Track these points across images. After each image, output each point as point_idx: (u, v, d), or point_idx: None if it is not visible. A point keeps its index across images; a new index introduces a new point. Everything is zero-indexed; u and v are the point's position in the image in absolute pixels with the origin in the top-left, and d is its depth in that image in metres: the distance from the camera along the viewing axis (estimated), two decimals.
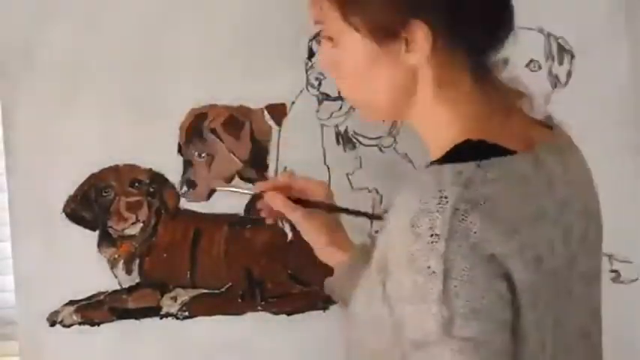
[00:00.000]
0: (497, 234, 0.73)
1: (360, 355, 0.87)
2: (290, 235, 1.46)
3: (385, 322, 0.78)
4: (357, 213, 1.17)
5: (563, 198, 0.83)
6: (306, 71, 1.45)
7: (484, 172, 0.75)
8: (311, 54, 1.45)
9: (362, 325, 0.84)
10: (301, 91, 1.45)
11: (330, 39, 0.87)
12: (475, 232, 0.72)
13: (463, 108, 0.84)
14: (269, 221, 1.20)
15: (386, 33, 0.82)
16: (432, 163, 0.82)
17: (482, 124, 0.82)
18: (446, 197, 0.73)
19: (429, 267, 0.72)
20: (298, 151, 1.46)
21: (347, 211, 1.15)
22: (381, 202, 1.47)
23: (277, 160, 1.46)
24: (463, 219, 0.72)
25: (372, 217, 1.26)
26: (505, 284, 0.73)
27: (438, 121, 0.85)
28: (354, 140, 1.46)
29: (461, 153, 0.79)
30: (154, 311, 1.43)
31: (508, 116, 0.85)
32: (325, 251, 1.14)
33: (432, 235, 0.72)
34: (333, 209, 1.15)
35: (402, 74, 0.84)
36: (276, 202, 1.13)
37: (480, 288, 0.72)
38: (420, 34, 0.80)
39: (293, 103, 1.46)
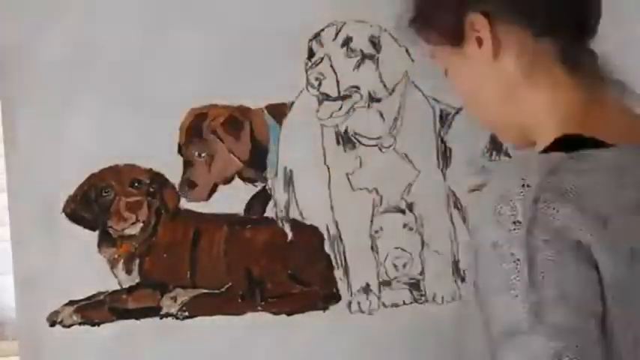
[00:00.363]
0: (584, 222, 0.71)
1: None
2: (290, 235, 1.46)
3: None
4: None
5: None
6: (306, 71, 1.45)
7: (575, 162, 0.75)
8: (311, 54, 1.45)
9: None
10: (301, 91, 1.45)
11: (446, 72, 0.90)
12: (558, 219, 0.71)
13: (560, 96, 0.83)
14: None
15: (456, 37, 0.83)
16: None
17: (580, 115, 0.81)
18: (528, 185, 0.72)
19: (512, 254, 0.71)
20: (298, 151, 1.46)
21: None
22: (380, 202, 1.47)
23: (277, 160, 1.46)
24: (546, 206, 0.71)
25: None
26: (594, 272, 0.72)
27: (536, 109, 0.84)
28: (354, 140, 1.46)
29: (557, 146, 0.78)
30: (153, 311, 1.43)
31: (607, 107, 0.83)
32: None
33: (514, 222, 0.72)
34: None
35: (492, 73, 0.84)
36: None
37: (567, 273, 0.71)
38: (480, 27, 0.81)
39: (293, 103, 1.46)
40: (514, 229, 0.72)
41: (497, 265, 0.73)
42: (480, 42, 0.82)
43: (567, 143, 0.78)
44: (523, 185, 0.73)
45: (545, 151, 0.80)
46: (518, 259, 0.71)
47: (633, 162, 0.79)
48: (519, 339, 0.71)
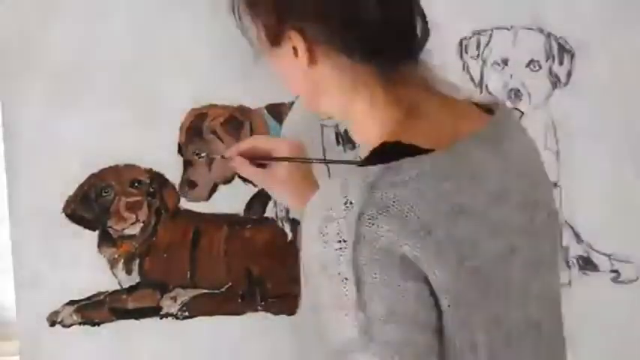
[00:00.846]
0: (407, 236, 0.72)
1: None
2: (290, 235, 1.46)
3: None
4: (324, 161, 1.21)
5: (496, 190, 0.81)
6: None
7: (393, 174, 0.75)
8: None
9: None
10: None
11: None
12: (382, 236, 0.72)
13: (379, 109, 0.85)
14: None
15: (273, 38, 0.89)
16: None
17: (400, 125, 0.83)
18: (351, 202, 0.73)
19: (339, 273, 0.72)
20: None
21: (311, 160, 1.22)
22: None
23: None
24: (370, 223, 0.72)
25: (345, 162, 1.28)
26: (423, 285, 0.73)
27: (358, 119, 0.88)
28: (354, 140, 1.46)
29: (376, 156, 0.79)
30: (153, 311, 1.43)
31: (429, 116, 0.85)
32: (292, 201, 1.20)
33: (339, 242, 0.72)
34: (298, 161, 1.20)
35: (302, 76, 0.89)
36: (241, 168, 1.22)
37: (394, 290, 0.71)
38: (298, 43, 0.85)
39: (292, 103, 1.46)
40: (340, 249, 0.72)
41: (326, 284, 0.73)
42: (295, 52, 0.86)
43: (387, 152, 0.79)
44: (345, 203, 0.73)
45: (364, 162, 0.81)
46: (346, 279, 0.72)
47: (452, 166, 0.79)
48: (353, 358, 0.72)
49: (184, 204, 1.44)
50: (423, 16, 0.88)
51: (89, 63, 1.42)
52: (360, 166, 0.80)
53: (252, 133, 1.45)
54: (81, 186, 1.42)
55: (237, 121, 1.45)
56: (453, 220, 0.76)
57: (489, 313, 0.79)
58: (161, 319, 1.44)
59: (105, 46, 1.42)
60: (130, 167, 1.43)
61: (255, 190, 1.45)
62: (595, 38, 1.47)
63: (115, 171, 1.43)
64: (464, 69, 1.47)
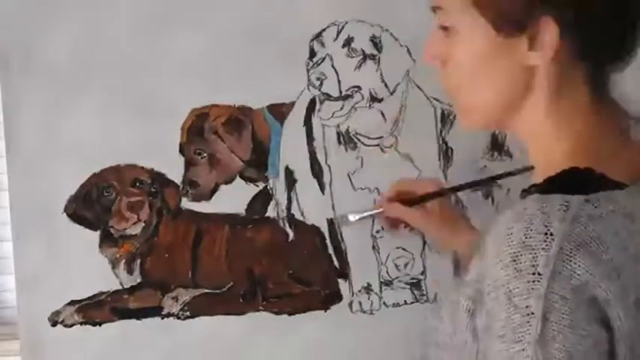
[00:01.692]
0: (600, 277, 0.69)
1: None
2: (291, 235, 1.46)
3: (468, 348, 0.75)
4: (476, 183, 1.23)
5: None
6: (308, 71, 1.45)
7: (592, 208, 0.71)
8: (312, 54, 1.45)
9: (445, 346, 0.81)
10: (302, 91, 1.45)
11: (445, 28, 0.81)
12: (579, 275, 0.69)
13: (575, 125, 0.79)
14: (394, 233, 1.26)
15: (513, 25, 0.76)
16: (534, 186, 0.78)
17: (593, 148, 0.78)
18: (552, 234, 0.69)
19: (527, 306, 0.69)
20: (300, 150, 1.46)
21: (463, 187, 1.21)
22: None
23: (279, 160, 1.46)
24: (568, 259, 0.69)
25: (508, 174, 1.23)
26: (604, 331, 0.71)
27: (546, 133, 0.80)
28: (356, 140, 1.46)
29: (566, 180, 0.75)
30: (155, 311, 1.43)
31: (620, 141, 0.80)
32: (446, 243, 1.17)
33: (533, 274, 0.69)
34: (447, 192, 1.18)
35: (519, 75, 0.79)
36: (394, 211, 1.19)
37: (577, 333, 0.69)
38: (549, 33, 0.75)
39: (294, 103, 1.46)
40: (533, 282, 0.69)
41: (507, 314, 0.70)
42: (533, 45, 0.76)
43: (574, 179, 0.75)
44: (547, 234, 0.70)
45: (550, 182, 0.76)
46: (533, 314, 0.69)
47: None
48: None
49: (186, 204, 1.44)
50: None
51: (89, 63, 1.41)
52: (545, 185, 0.76)
53: (253, 132, 1.45)
54: (82, 186, 1.42)
55: (238, 120, 1.45)
56: (638, 262, 0.73)
57: None
58: (162, 319, 1.44)
59: (105, 47, 1.41)
60: (131, 167, 1.43)
61: (257, 189, 1.45)
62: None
63: (116, 171, 1.43)
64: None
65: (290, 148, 1.46)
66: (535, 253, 0.70)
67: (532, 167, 0.85)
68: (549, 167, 0.78)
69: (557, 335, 0.69)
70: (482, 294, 0.74)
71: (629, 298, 0.71)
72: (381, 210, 1.27)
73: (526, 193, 0.79)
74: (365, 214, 1.31)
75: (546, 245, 0.70)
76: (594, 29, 0.76)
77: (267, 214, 1.45)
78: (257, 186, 1.45)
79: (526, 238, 0.70)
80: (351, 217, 1.32)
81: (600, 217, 0.72)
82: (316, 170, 1.46)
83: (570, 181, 0.75)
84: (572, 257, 0.69)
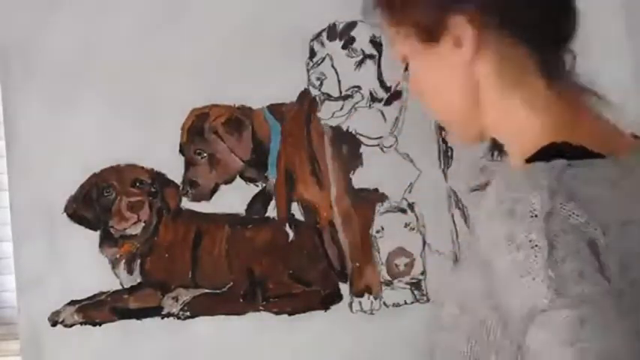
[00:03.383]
0: (596, 226, 0.71)
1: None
2: (291, 235, 1.46)
3: (489, 322, 0.77)
4: None
5: None
6: (308, 71, 1.45)
7: (575, 171, 0.74)
8: (312, 54, 1.45)
9: (450, 328, 0.83)
10: (302, 91, 1.45)
11: (407, 65, 0.86)
12: (576, 218, 0.71)
13: (541, 107, 0.81)
14: None
15: (431, 33, 0.80)
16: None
17: (564, 126, 0.80)
18: (541, 187, 0.72)
19: (530, 240, 0.71)
20: (300, 150, 1.46)
21: None
22: (382, 202, 1.47)
23: (279, 160, 1.46)
24: (562, 205, 0.71)
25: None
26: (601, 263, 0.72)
27: (516, 121, 0.83)
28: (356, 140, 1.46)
29: (547, 155, 0.77)
30: (155, 311, 1.43)
31: (588, 116, 0.82)
32: None
33: (532, 216, 0.71)
34: None
35: (462, 74, 0.81)
36: None
37: (585, 260, 0.71)
38: (464, 28, 0.78)
39: (294, 103, 1.46)
40: (531, 222, 0.71)
41: (511, 255, 0.72)
42: (458, 43, 0.80)
43: (553, 151, 0.77)
44: (535, 187, 0.72)
45: (532, 159, 0.78)
46: (537, 245, 0.71)
47: (621, 175, 0.78)
48: (541, 316, 0.71)
49: (186, 204, 1.44)
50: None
51: (89, 63, 1.42)
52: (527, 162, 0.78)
53: (253, 132, 1.45)
54: (82, 186, 1.42)
55: (238, 120, 1.45)
56: (622, 227, 0.75)
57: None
58: (163, 318, 1.44)
59: (105, 47, 1.42)
60: (131, 167, 1.43)
61: (257, 190, 1.45)
62: (595, 38, 1.47)
63: (116, 171, 1.43)
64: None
65: (290, 148, 1.46)
66: (530, 201, 0.72)
67: None
68: (526, 148, 0.80)
69: (566, 258, 0.70)
70: (486, 257, 0.76)
71: (611, 260, 0.72)
72: None
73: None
74: None
75: (540, 193, 0.72)
76: (519, 14, 0.78)
77: (267, 215, 1.45)
78: (257, 186, 1.45)
79: (518, 194, 0.73)
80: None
81: (584, 181, 0.74)
82: (316, 170, 1.46)
83: (550, 155, 0.77)
84: (565, 205, 0.72)
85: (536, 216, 0.72)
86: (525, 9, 0.79)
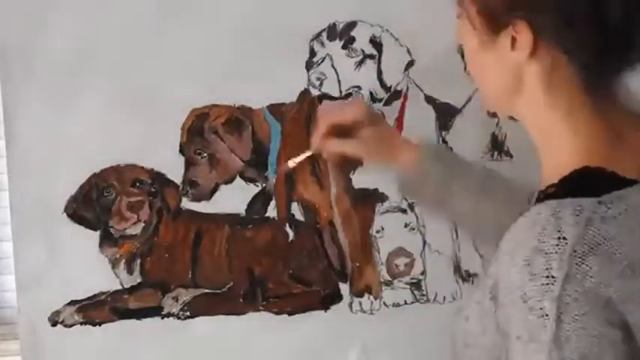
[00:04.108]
0: (615, 277, 0.70)
1: None
2: (291, 235, 1.46)
3: (498, 348, 0.76)
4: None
5: None
6: (308, 71, 1.45)
7: (605, 209, 0.73)
8: (312, 54, 1.45)
9: (474, 345, 0.82)
10: (303, 91, 1.45)
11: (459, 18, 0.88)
12: (592, 277, 0.70)
13: (578, 122, 0.81)
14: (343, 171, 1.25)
15: (493, 26, 0.82)
16: (548, 188, 0.79)
17: (602, 146, 0.79)
18: (565, 238, 0.71)
19: (541, 308, 0.70)
20: (300, 150, 1.46)
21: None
22: (382, 202, 1.47)
23: (279, 160, 1.46)
24: (581, 262, 0.70)
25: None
26: (620, 333, 0.71)
27: (551, 129, 0.83)
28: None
29: (578, 181, 0.76)
30: (155, 311, 1.43)
31: (629, 141, 0.81)
32: (388, 163, 1.14)
33: (547, 277, 0.70)
34: (377, 116, 1.16)
35: (508, 71, 0.83)
36: (332, 147, 1.13)
37: (592, 334, 0.70)
38: (523, 34, 0.79)
39: (294, 103, 1.46)
40: (547, 284, 0.70)
41: (523, 315, 0.72)
42: (513, 44, 0.81)
43: (586, 178, 0.76)
44: (559, 238, 0.71)
45: (563, 182, 0.78)
46: (547, 315, 0.70)
47: None
48: None
49: (186, 204, 1.44)
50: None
51: (89, 63, 1.41)
52: (560, 186, 0.77)
53: (253, 132, 1.45)
54: (82, 186, 1.42)
55: (238, 120, 1.45)
56: None
57: None
58: (163, 318, 1.44)
59: (105, 47, 1.41)
60: (131, 167, 1.43)
61: (257, 190, 1.45)
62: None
63: (116, 171, 1.43)
64: (465, 69, 1.46)
65: (290, 148, 1.46)
66: (549, 257, 0.71)
67: None
68: (559, 167, 0.80)
69: (571, 336, 0.70)
70: (499, 295, 0.76)
71: None
72: (314, 151, 1.18)
73: (541, 194, 0.80)
74: (303, 156, 1.22)
75: (559, 249, 0.71)
76: (574, 34, 0.78)
77: (267, 214, 1.45)
78: (257, 186, 1.45)
79: (539, 242, 0.72)
80: (291, 164, 1.24)
81: (613, 218, 0.73)
82: (316, 170, 1.46)
83: (582, 181, 0.76)
84: (584, 260, 0.70)
85: (552, 277, 0.70)
86: (586, 34, 0.78)
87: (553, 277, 0.70)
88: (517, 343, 0.73)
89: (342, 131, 1.12)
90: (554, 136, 0.83)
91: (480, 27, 0.83)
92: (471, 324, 0.82)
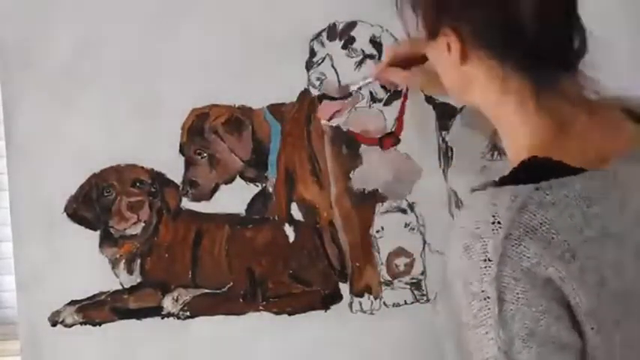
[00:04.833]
0: (555, 259, 0.72)
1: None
2: (291, 235, 1.46)
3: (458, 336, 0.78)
4: None
5: (637, 211, 0.80)
6: (308, 71, 1.45)
7: (542, 195, 0.75)
8: (312, 54, 1.45)
9: (442, 333, 0.84)
10: (303, 91, 1.45)
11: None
12: (529, 257, 0.72)
13: (530, 119, 0.84)
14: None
15: (430, 32, 0.90)
16: (500, 178, 0.82)
17: (551, 140, 0.82)
18: (499, 222, 0.73)
19: (483, 291, 0.72)
20: (300, 150, 1.46)
21: None
22: (382, 202, 1.47)
23: (279, 159, 1.46)
24: (517, 244, 0.72)
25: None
26: (564, 309, 0.73)
27: (505, 121, 0.88)
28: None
29: (526, 171, 0.79)
30: (155, 311, 1.43)
31: (582, 129, 0.84)
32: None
33: (484, 260, 0.72)
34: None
35: (453, 70, 0.89)
36: (394, 76, 1.25)
37: (536, 310, 0.71)
38: (452, 39, 0.86)
39: (294, 103, 1.46)
40: (485, 267, 0.72)
41: (467, 301, 0.73)
42: (449, 48, 0.87)
43: (535, 167, 0.79)
44: (494, 222, 0.73)
45: (513, 173, 0.81)
46: (489, 297, 0.72)
47: (601, 189, 0.78)
48: None
49: (186, 204, 1.44)
50: (581, 28, 0.87)
51: (89, 63, 1.41)
52: (509, 176, 0.80)
53: (253, 132, 1.45)
54: (82, 186, 1.42)
55: (238, 120, 1.45)
56: (599, 244, 0.75)
57: (625, 335, 0.78)
58: (162, 319, 1.44)
59: (105, 47, 1.41)
60: (131, 167, 1.43)
61: (257, 190, 1.45)
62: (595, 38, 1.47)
63: (116, 171, 1.43)
64: None
65: (290, 148, 1.46)
66: (484, 241, 0.73)
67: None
68: (518, 157, 0.84)
69: (516, 313, 0.72)
70: (448, 286, 0.78)
71: (589, 277, 0.74)
72: (374, 77, 1.33)
73: (494, 184, 0.83)
74: (366, 81, 1.37)
75: (494, 233, 0.73)
76: (495, 40, 0.85)
77: (267, 215, 1.45)
78: (257, 186, 1.45)
79: (476, 228, 0.74)
80: (353, 87, 1.38)
81: (552, 204, 0.74)
82: (316, 170, 1.46)
83: (528, 171, 0.79)
84: (520, 242, 0.73)
85: (489, 260, 0.73)
86: (506, 39, 0.84)
87: (490, 260, 0.72)
88: (466, 330, 0.74)
89: (405, 63, 1.22)
90: (508, 127, 0.87)
91: (423, 32, 0.91)
92: (442, 316, 0.84)
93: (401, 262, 1.47)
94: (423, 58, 1.14)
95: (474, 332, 0.73)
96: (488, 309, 0.72)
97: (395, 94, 1.47)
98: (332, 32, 1.45)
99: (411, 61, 1.21)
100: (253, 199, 1.45)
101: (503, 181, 0.81)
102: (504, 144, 0.90)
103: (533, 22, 0.82)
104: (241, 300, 1.45)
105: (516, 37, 0.82)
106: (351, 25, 1.45)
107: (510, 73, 0.85)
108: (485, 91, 0.88)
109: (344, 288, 1.47)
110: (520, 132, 0.85)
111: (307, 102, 1.46)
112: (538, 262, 0.72)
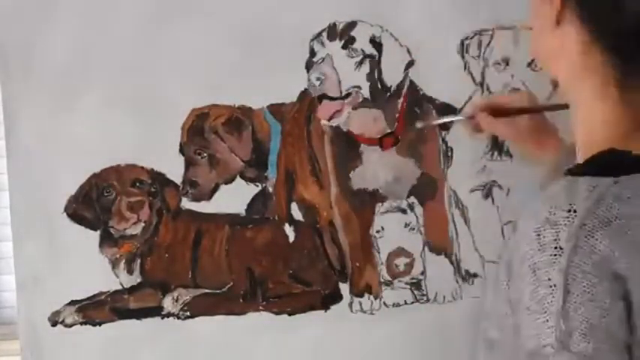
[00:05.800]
0: (623, 254, 0.71)
1: (482, 342, 0.86)
2: (291, 235, 1.46)
3: (507, 321, 0.78)
4: (557, 107, 1.22)
5: None
6: (308, 71, 1.45)
7: (620, 189, 0.74)
8: (312, 54, 1.45)
9: (489, 317, 0.84)
10: (303, 91, 1.45)
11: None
12: (600, 250, 0.71)
13: (609, 107, 0.82)
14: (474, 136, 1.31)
15: None
16: (574, 167, 0.81)
17: (631, 132, 0.81)
18: (575, 211, 0.72)
19: (549, 279, 0.72)
20: (300, 150, 1.46)
21: (547, 108, 1.24)
22: (382, 202, 1.47)
23: (279, 160, 1.46)
24: (590, 236, 0.71)
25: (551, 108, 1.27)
26: (626, 307, 0.72)
27: (584, 103, 0.85)
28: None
29: (601, 162, 0.78)
30: (155, 311, 1.43)
31: None
32: (532, 153, 1.21)
33: (555, 248, 0.72)
34: (532, 110, 1.22)
35: (552, 30, 0.86)
36: (483, 122, 1.23)
37: (600, 306, 0.71)
38: None
39: (294, 103, 1.46)
40: (555, 255, 0.72)
41: (532, 286, 0.73)
42: (551, 2, 0.84)
43: (612, 159, 0.78)
44: (569, 210, 0.73)
45: (589, 161, 0.80)
46: (555, 285, 0.71)
47: None
48: None
49: (186, 204, 1.44)
50: None
51: (89, 63, 1.41)
52: (584, 166, 0.80)
53: (253, 132, 1.45)
54: (82, 186, 1.42)
55: (238, 120, 1.45)
56: None
57: None
58: (162, 319, 1.44)
59: (105, 47, 1.41)
60: (131, 167, 1.43)
61: (257, 190, 1.45)
62: None
63: (116, 171, 1.43)
64: (465, 69, 1.47)
65: (290, 148, 1.46)
66: (558, 229, 0.72)
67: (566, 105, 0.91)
68: (593, 146, 0.82)
69: (579, 307, 0.71)
70: (512, 269, 0.77)
71: None
72: (469, 117, 1.30)
73: (567, 172, 0.81)
74: (454, 118, 1.39)
75: (569, 221, 0.72)
76: (599, 8, 0.82)
77: (267, 215, 1.45)
78: (257, 186, 1.45)
79: (550, 214, 0.74)
80: (439, 121, 1.41)
81: (628, 199, 0.74)
82: (316, 170, 1.46)
83: (605, 162, 0.78)
84: (593, 234, 0.72)
85: (561, 248, 0.72)
86: (609, 15, 0.81)
87: (561, 248, 0.72)
88: (526, 314, 0.74)
89: (497, 112, 1.22)
90: (586, 113, 0.84)
91: None
92: (488, 296, 0.84)
93: (401, 262, 1.47)
94: (516, 112, 1.19)
95: (534, 317, 0.73)
96: (553, 297, 0.72)
97: (395, 94, 1.47)
98: (332, 32, 1.45)
99: (503, 112, 1.22)
100: (253, 199, 1.45)
101: (577, 171, 0.80)
102: (575, 128, 0.87)
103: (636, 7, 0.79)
104: (241, 300, 1.45)
105: (616, 15, 0.80)
106: (351, 25, 1.45)
107: (600, 54, 0.82)
108: (571, 67, 0.85)
109: (344, 288, 1.47)
110: (598, 120, 0.83)
111: (307, 102, 1.46)
112: (609, 255, 0.71)
